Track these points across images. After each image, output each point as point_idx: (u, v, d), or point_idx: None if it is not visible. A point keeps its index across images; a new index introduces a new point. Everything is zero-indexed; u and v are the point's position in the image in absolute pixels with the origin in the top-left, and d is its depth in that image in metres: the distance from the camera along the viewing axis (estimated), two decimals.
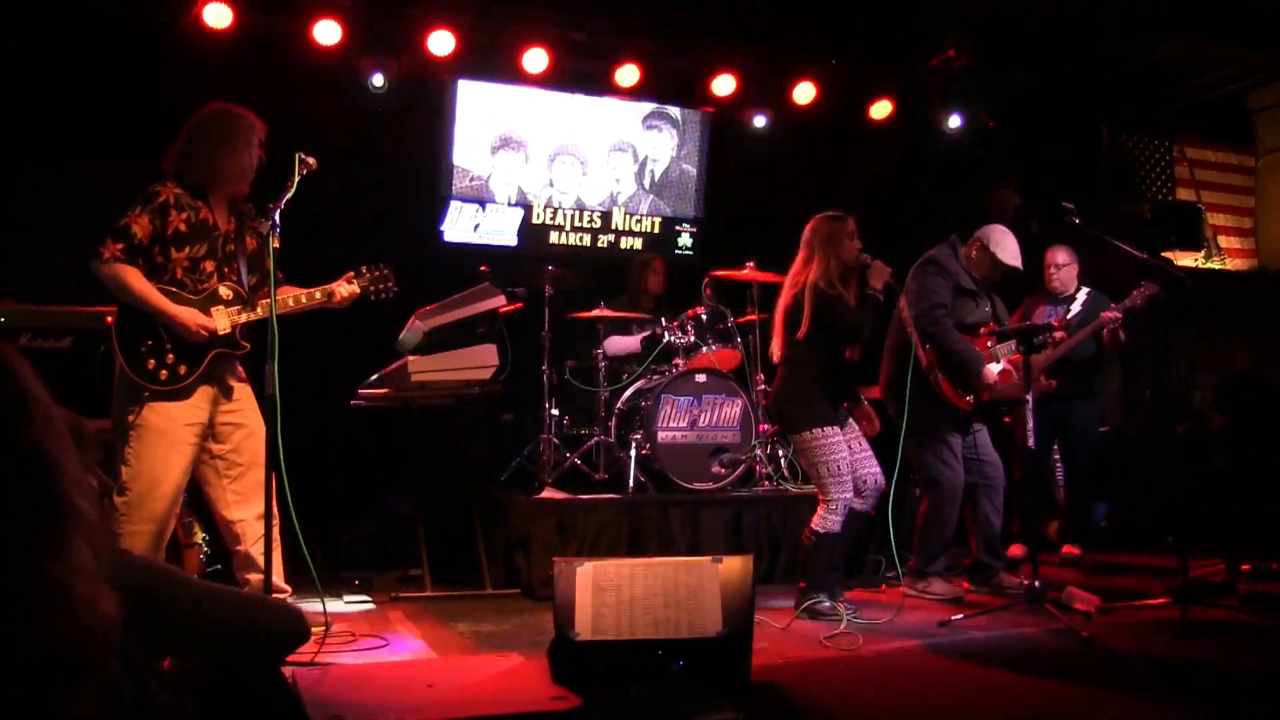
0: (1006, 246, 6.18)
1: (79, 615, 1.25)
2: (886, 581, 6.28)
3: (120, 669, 1.58)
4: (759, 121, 9.10)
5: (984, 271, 6.22)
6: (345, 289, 4.95)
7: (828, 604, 5.28)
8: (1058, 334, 6.55)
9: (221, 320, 4.64)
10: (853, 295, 5.48)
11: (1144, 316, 6.93)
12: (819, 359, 5.43)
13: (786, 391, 5.51)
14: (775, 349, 5.62)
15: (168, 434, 4.53)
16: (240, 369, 4.88)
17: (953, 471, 5.98)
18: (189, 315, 4.56)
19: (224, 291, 4.71)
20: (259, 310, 4.68)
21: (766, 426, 7.06)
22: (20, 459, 1.27)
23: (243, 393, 4.83)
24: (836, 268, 5.45)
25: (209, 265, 4.71)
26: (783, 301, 5.55)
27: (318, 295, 4.89)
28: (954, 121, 9.22)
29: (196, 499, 5.00)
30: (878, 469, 5.50)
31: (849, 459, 5.36)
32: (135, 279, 4.51)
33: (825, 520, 5.31)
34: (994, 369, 6.01)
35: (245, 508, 4.72)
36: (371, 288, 5.02)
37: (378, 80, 7.80)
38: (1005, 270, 6.21)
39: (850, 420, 5.55)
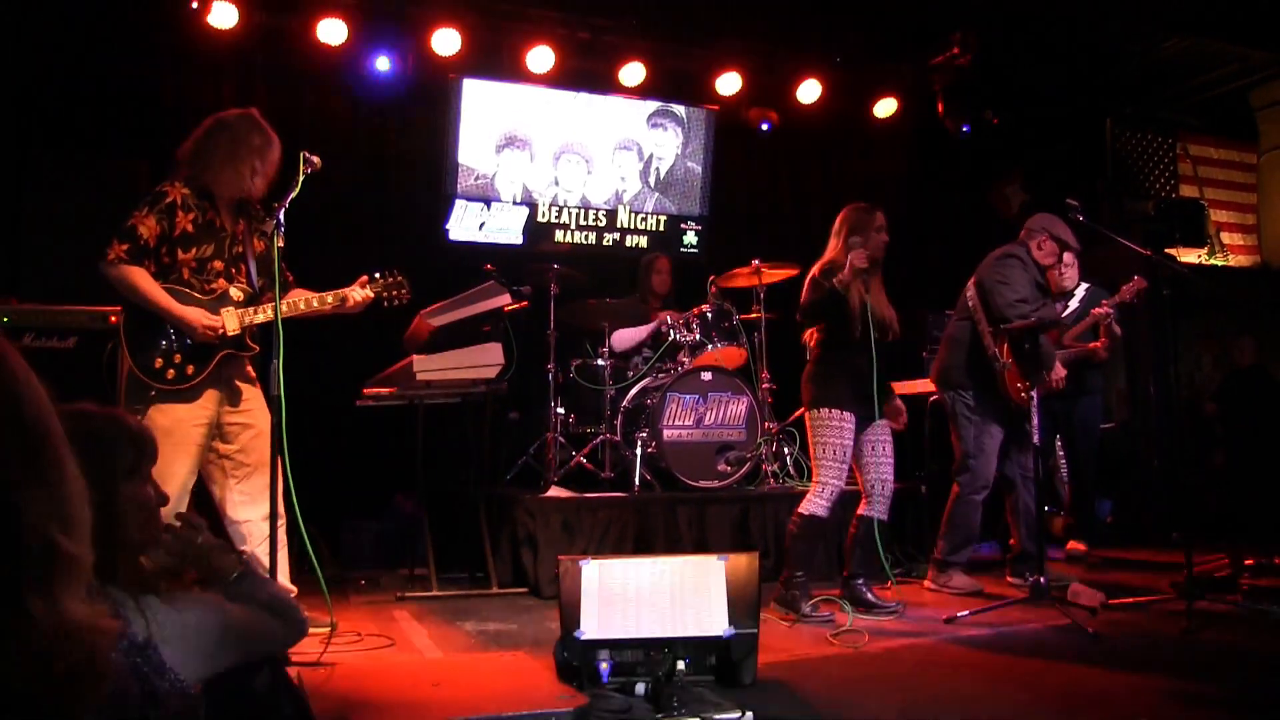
0: (1065, 230, 6.27)
1: (52, 665, 1.22)
2: (894, 578, 6.30)
3: (127, 671, 1.58)
4: (764, 119, 9.12)
5: (1054, 260, 6.27)
6: (358, 294, 4.93)
7: (800, 594, 5.31)
8: (1085, 346, 6.65)
9: (231, 321, 4.64)
10: (878, 284, 5.49)
11: (1148, 312, 6.94)
12: (830, 345, 5.49)
13: (807, 374, 5.58)
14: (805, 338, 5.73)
15: (174, 434, 4.53)
16: (250, 369, 4.88)
17: (986, 461, 6.01)
18: (196, 315, 4.56)
19: (234, 292, 4.72)
20: (269, 311, 4.65)
21: (772, 424, 7.08)
22: None
23: (251, 393, 4.83)
24: (842, 258, 5.42)
25: (217, 265, 4.71)
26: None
27: (330, 300, 4.88)
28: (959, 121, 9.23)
29: (199, 497, 5.00)
30: (890, 475, 5.52)
31: (850, 448, 5.37)
32: (142, 279, 4.52)
33: (811, 502, 5.34)
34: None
35: (252, 508, 4.73)
36: (385, 293, 5.01)
37: (382, 79, 7.82)
38: (1065, 251, 6.30)
39: (879, 423, 5.55)
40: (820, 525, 5.38)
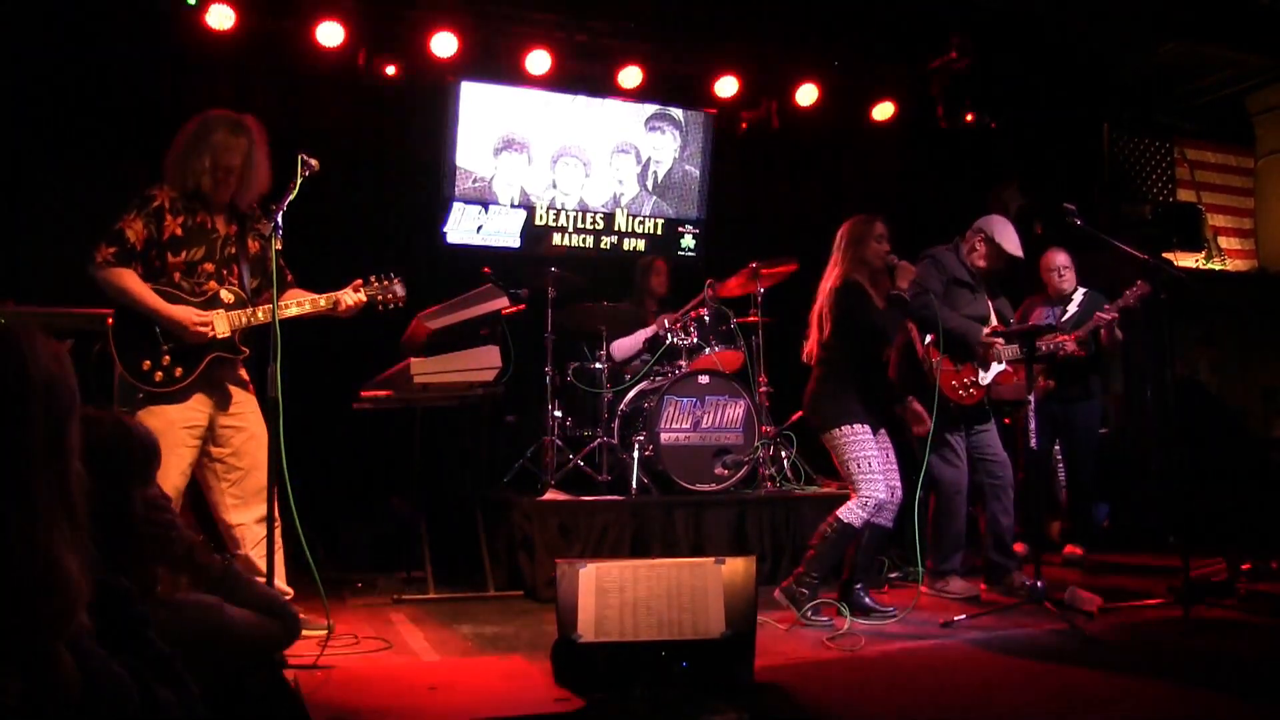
0: (1008, 236, 6.21)
1: None
2: (890, 583, 6.30)
3: (126, 674, 1.58)
4: (761, 123, 9.13)
5: (989, 263, 6.22)
6: (351, 297, 4.92)
7: (809, 595, 5.30)
8: (1069, 346, 6.58)
9: (221, 324, 4.64)
10: (881, 297, 5.48)
11: (1145, 317, 6.92)
12: (847, 359, 5.45)
13: (818, 391, 5.53)
14: (808, 350, 5.65)
15: (165, 436, 4.49)
16: (242, 372, 4.87)
17: (954, 468, 6.01)
18: (185, 313, 4.54)
19: (225, 295, 4.71)
20: (260, 314, 4.66)
21: (769, 428, 7.07)
22: None
23: (244, 396, 4.82)
24: (862, 270, 5.49)
25: (208, 268, 4.71)
26: (816, 305, 5.60)
27: (322, 303, 4.87)
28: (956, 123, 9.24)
29: (195, 501, 5.00)
30: (899, 483, 5.50)
31: (876, 456, 5.34)
32: (130, 280, 4.51)
33: (852, 511, 5.28)
34: (996, 367, 6.07)
35: (245, 511, 4.73)
36: (379, 297, 5.00)
37: (380, 82, 7.81)
38: (1008, 259, 6.22)
39: (882, 430, 5.55)
40: (852, 534, 5.35)
